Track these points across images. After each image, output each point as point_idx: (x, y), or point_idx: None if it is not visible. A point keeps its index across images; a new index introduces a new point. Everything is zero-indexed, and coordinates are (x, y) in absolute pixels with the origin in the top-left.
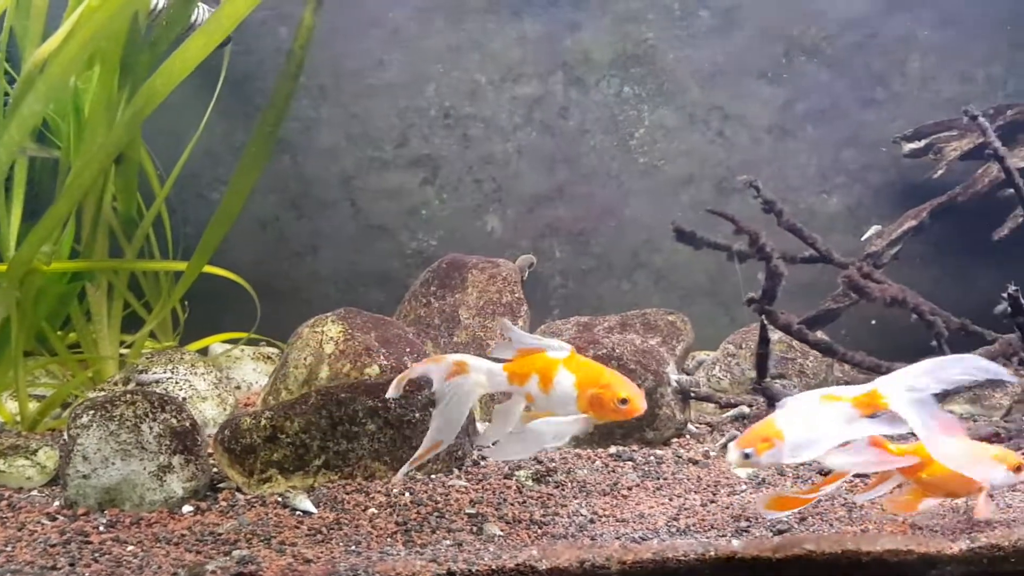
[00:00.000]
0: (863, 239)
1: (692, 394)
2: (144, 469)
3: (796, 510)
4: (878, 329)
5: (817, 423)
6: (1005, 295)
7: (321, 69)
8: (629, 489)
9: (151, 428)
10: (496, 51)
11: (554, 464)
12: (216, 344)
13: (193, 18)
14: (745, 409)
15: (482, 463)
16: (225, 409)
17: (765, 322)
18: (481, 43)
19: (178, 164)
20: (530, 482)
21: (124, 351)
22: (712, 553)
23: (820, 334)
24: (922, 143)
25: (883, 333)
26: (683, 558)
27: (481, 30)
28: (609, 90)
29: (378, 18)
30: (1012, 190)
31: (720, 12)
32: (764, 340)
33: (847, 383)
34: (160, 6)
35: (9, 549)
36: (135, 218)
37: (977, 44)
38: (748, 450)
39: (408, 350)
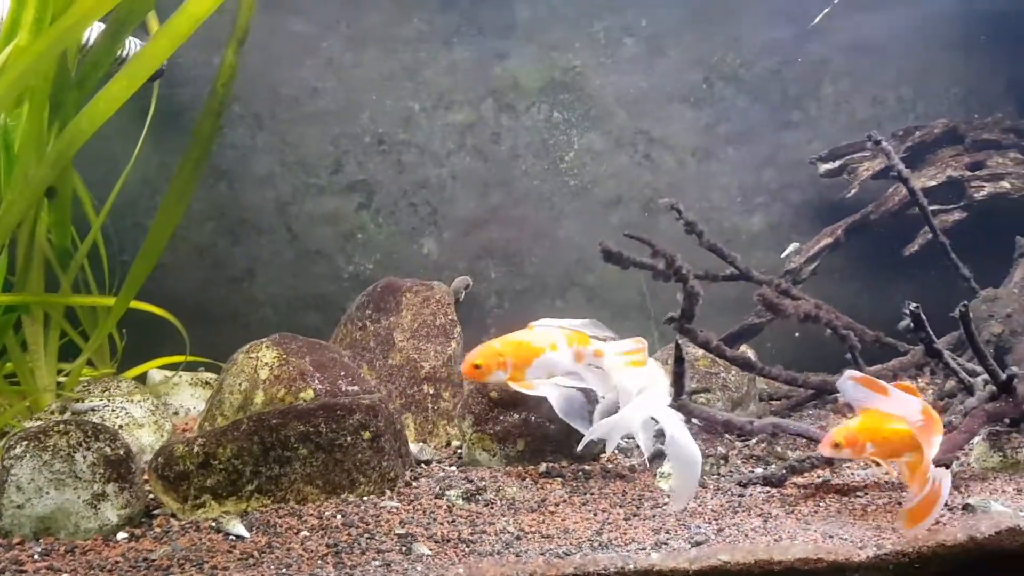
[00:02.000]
0: (783, 256)
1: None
2: (78, 498)
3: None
4: (802, 341)
5: None
6: (907, 312)
7: (256, 97)
8: (556, 505)
9: (85, 457)
10: (428, 79)
11: (484, 483)
12: (154, 371)
13: (124, 52)
14: None
15: (414, 484)
16: (162, 436)
17: (679, 341)
18: (413, 71)
19: (111, 195)
20: (460, 501)
21: (62, 380)
22: (631, 567)
23: (745, 348)
24: (837, 163)
25: (807, 345)
26: (603, 572)
27: (413, 59)
28: (539, 116)
29: (312, 48)
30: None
31: (643, 40)
32: (679, 359)
33: (770, 396)
34: (91, 43)
35: None
36: (70, 249)
37: (887, 68)
38: None
39: (343, 374)
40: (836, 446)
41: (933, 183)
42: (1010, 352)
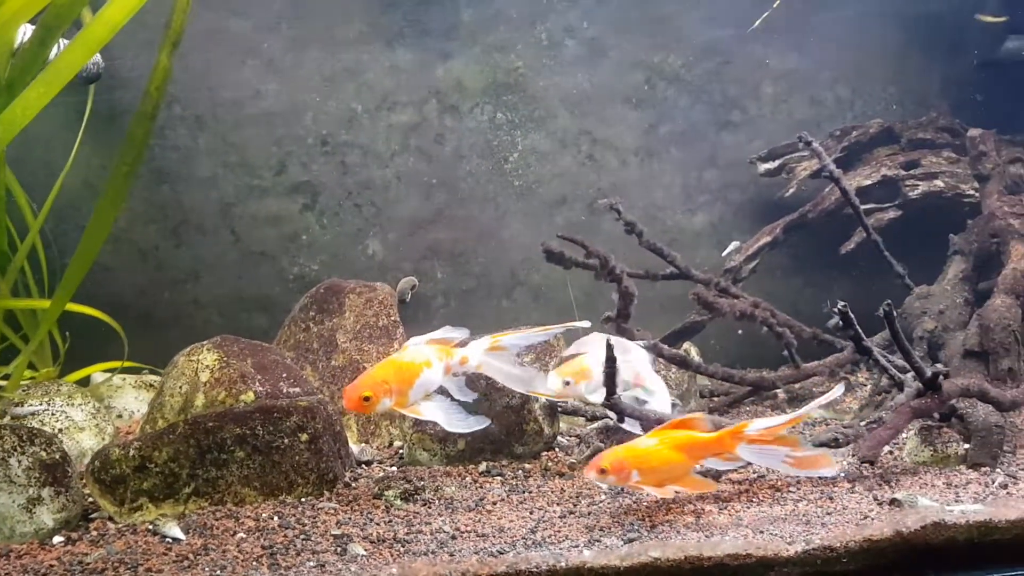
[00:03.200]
0: (723, 255)
1: (559, 408)
2: (13, 502)
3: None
4: (745, 339)
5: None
6: (835, 310)
7: (198, 100)
8: (494, 504)
9: (19, 461)
10: (371, 80)
11: (423, 483)
12: (97, 374)
13: (56, 54)
14: (610, 422)
15: (354, 484)
16: (103, 439)
17: (609, 341)
18: (356, 73)
19: (49, 198)
20: (398, 501)
21: (2, 383)
22: (563, 564)
23: (688, 345)
24: (776, 163)
25: (751, 343)
26: (535, 570)
27: (355, 60)
28: (483, 117)
29: (253, 49)
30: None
31: (585, 42)
32: (610, 359)
33: (711, 392)
34: (23, 44)
35: None
36: (7, 252)
37: (825, 69)
38: (568, 379)
39: (285, 376)
40: (602, 472)
41: (869, 182)
42: (943, 348)
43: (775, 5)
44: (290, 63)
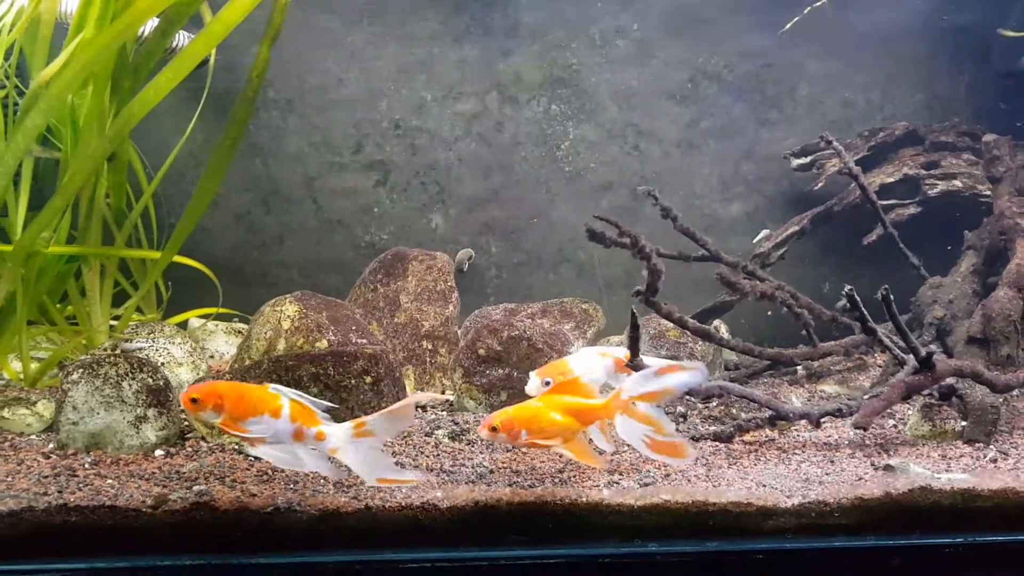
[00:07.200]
0: (754, 242)
1: None
2: (123, 419)
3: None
4: (774, 318)
5: (592, 368)
6: (843, 293)
7: (288, 85)
8: (528, 447)
9: (130, 385)
10: (440, 72)
11: (468, 426)
12: (194, 319)
13: (175, 43)
14: None
15: None
16: (198, 373)
17: (633, 309)
18: (427, 65)
19: (164, 165)
20: (446, 439)
21: (114, 323)
22: (584, 499)
23: (718, 323)
24: (808, 159)
25: (779, 323)
26: (559, 502)
27: (427, 54)
28: (538, 108)
29: (338, 42)
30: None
31: (635, 42)
32: (635, 326)
33: (736, 366)
34: (146, 34)
35: (9, 480)
36: (125, 210)
37: (858, 74)
38: (548, 379)
39: (354, 328)
40: (493, 430)
41: (891, 179)
42: (951, 334)
43: (805, 12)
44: (370, 55)
